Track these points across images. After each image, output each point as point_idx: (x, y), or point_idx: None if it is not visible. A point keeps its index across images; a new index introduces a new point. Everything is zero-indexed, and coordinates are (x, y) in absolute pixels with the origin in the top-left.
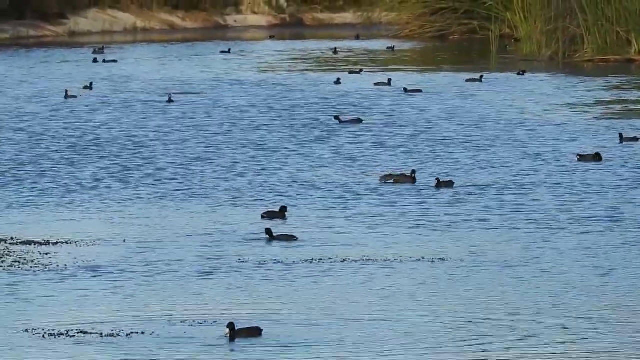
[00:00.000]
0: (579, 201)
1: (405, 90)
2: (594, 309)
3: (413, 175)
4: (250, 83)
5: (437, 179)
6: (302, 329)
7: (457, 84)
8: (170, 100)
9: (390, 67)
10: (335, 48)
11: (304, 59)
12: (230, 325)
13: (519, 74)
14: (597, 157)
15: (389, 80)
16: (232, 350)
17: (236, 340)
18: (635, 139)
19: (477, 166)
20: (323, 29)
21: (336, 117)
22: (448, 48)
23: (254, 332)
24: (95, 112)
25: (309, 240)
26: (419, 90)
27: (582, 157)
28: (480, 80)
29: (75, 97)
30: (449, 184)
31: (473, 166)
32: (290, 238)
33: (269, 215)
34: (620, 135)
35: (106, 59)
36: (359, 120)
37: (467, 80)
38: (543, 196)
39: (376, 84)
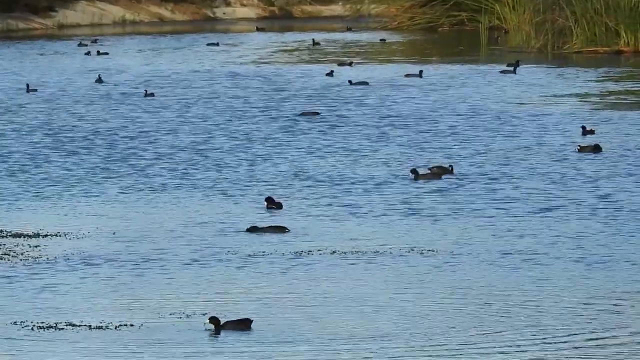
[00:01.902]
0: (576, 191)
1: (350, 82)
2: (589, 298)
3: (451, 168)
4: (237, 75)
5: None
6: (293, 320)
7: (450, 75)
8: (147, 94)
9: (385, 58)
10: (313, 39)
11: (294, 50)
12: (213, 320)
13: (508, 65)
14: (596, 149)
15: (420, 71)
16: (217, 347)
17: (225, 332)
18: (591, 132)
19: (473, 156)
20: (312, 21)
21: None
22: (438, 40)
23: (243, 324)
24: (87, 105)
25: (300, 232)
26: (366, 83)
27: (582, 148)
28: (514, 71)
29: (35, 90)
30: (437, 176)
31: (469, 156)
32: (280, 230)
33: (277, 206)
34: (583, 127)
35: (100, 51)
36: (316, 114)
37: (501, 72)
38: (544, 186)
39: (407, 76)
